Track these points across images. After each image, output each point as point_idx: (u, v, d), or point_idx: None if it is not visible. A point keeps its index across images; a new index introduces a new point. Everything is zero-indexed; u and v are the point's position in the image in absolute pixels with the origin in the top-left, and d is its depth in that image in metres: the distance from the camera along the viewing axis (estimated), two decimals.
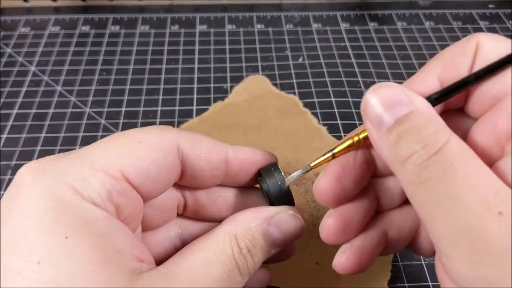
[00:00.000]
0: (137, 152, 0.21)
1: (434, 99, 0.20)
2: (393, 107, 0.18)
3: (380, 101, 0.18)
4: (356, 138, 0.22)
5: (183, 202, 0.25)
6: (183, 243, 0.25)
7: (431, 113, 0.18)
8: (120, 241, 0.19)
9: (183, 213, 0.26)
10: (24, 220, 0.18)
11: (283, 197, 0.24)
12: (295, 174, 0.24)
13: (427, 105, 0.19)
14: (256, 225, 0.21)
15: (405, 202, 0.24)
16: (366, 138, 0.21)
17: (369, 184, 0.24)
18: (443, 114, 0.19)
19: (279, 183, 0.24)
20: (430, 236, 0.18)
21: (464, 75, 0.20)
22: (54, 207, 0.18)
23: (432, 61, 0.21)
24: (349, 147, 0.22)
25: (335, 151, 0.22)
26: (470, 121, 0.21)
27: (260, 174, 0.24)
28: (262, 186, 0.24)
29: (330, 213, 0.23)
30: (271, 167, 0.24)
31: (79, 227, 0.18)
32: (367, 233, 0.23)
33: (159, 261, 0.21)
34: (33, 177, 0.19)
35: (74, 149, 0.41)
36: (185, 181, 0.24)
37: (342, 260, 0.23)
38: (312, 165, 0.23)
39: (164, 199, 0.24)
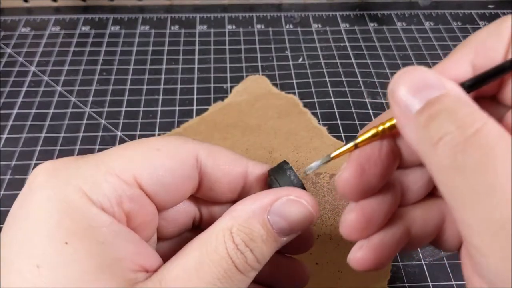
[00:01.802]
0: (153, 158, 0.20)
1: (467, 87, 0.18)
2: (424, 90, 0.17)
3: (409, 83, 0.17)
4: (380, 127, 0.20)
5: (199, 216, 0.25)
6: None
7: (464, 97, 0.17)
8: (122, 249, 0.19)
9: (199, 225, 0.25)
10: (29, 221, 0.18)
11: None
12: (314, 164, 0.22)
13: (460, 90, 0.17)
14: (253, 216, 0.20)
15: (430, 195, 0.23)
16: (391, 127, 0.20)
17: (393, 176, 0.22)
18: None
19: (291, 178, 0.22)
20: (460, 228, 0.16)
21: (499, 61, 0.18)
22: (59, 210, 0.18)
23: (463, 44, 0.20)
24: (373, 137, 0.20)
25: (357, 141, 0.20)
26: (503, 109, 0.20)
27: (269, 175, 0.23)
28: (273, 187, 0.23)
29: (351, 207, 0.21)
30: (280, 165, 0.23)
31: (81, 232, 0.18)
32: (388, 229, 0.22)
33: None
34: (45, 178, 0.19)
35: (74, 149, 0.42)
36: (201, 193, 0.23)
37: (358, 256, 0.21)
38: (332, 155, 0.21)
39: (179, 212, 0.24)
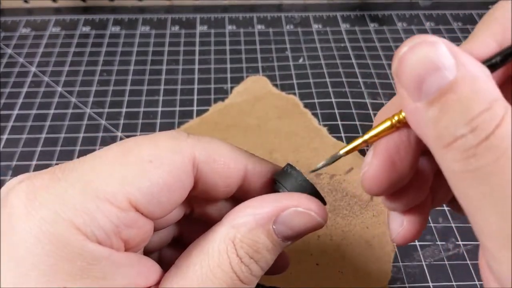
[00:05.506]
0: (146, 175, 0.18)
1: (500, 61, 0.16)
2: (436, 72, 0.14)
3: (419, 62, 0.15)
4: (396, 118, 0.17)
5: (189, 210, 0.24)
6: (180, 236, 0.25)
7: (483, 79, 0.14)
8: (124, 277, 0.18)
9: (189, 216, 0.25)
10: (20, 266, 0.16)
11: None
12: (321, 164, 0.20)
13: (478, 68, 0.15)
14: (257, 227, 0.19)
15: None
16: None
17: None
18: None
19: (298, 180, 0.21)
20: (475, 232, 0.15)
21: None
22: (52, 252, 0.16)
23: (486, 22, 0.18)
24: (389, 129, 0.18)
25: (372, 134, 0.18)
26: None
27: (275, 181, 0.22)
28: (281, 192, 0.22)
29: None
30: (284, 169, 0.22)
31: (79, 273, 0.16)
32: (418, 193, 0.20)
33: (161, 259, 0.20)
34: (26, 208, 0.16)
35: (74, 150, 0.41)
36: (194, 192, 0.21)
37: (402, 233, 0.21)
38: (341, 152, 0.19)
39: (170, 215, 0.22)
